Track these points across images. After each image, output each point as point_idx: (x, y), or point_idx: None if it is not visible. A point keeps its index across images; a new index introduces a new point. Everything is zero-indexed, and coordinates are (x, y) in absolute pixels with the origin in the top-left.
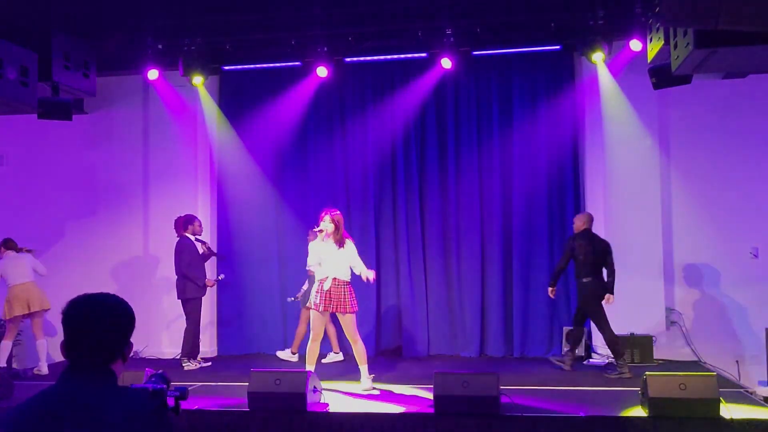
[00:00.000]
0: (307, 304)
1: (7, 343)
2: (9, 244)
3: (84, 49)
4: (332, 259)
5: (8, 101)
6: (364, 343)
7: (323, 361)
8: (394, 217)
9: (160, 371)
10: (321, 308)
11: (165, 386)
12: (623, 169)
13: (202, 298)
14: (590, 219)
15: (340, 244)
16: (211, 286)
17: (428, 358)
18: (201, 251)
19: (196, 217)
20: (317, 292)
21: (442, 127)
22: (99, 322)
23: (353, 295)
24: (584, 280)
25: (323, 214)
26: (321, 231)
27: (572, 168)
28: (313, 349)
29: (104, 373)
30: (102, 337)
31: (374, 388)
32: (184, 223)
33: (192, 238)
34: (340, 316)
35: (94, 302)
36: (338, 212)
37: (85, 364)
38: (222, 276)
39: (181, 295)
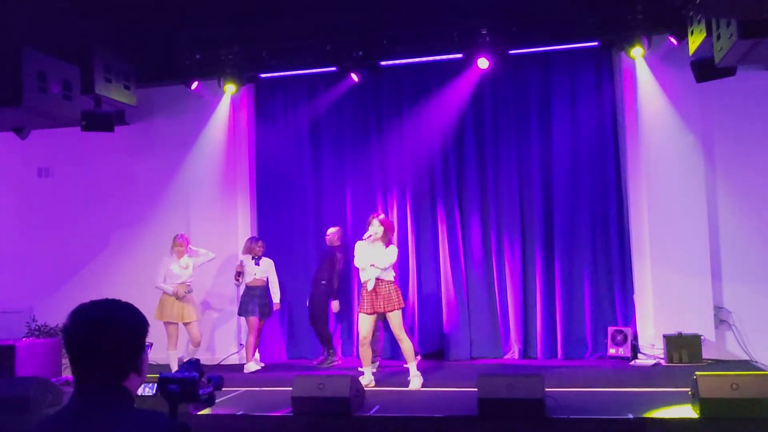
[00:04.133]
0: (250, 314)
1: (171, 353)
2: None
3: (124, 61)
4: (376, 260)
5: (52, 115)
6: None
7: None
8: (433, 219)
9: (194, 359)
10: (367, 310)
11: (197, 375)
12: (666, 164)
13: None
14: None
15: (387, 245)
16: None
17: (470, 361)
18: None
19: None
20: (361, 295)
21: (479, 128)
22: (103, 335)
23: (399, 292)
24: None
25: (371, 218)
26: (371, 236)
27: (614, 165)
28: (364, 352)
29: (116, 391)
30: (108, 351)
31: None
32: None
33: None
34: (387, 315)
35: (95, 313)
36: (384, 216)
37: (93, 383)
38: None
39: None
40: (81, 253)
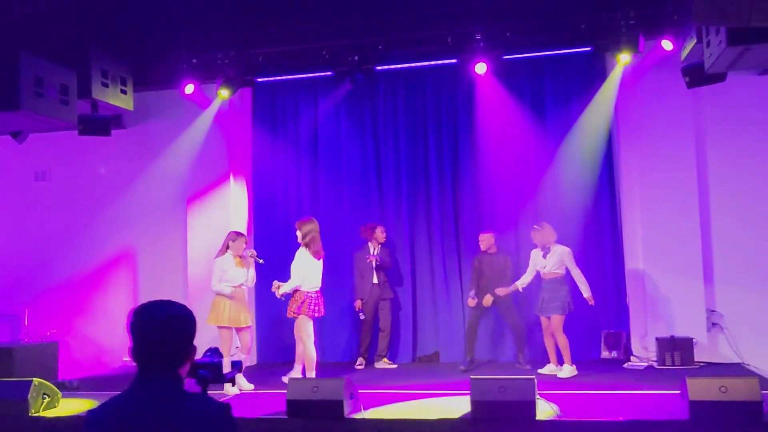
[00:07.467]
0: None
1: (224, 360)
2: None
3: (121, 65)
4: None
5: (49, 119)
6: (402, 349)
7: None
8: (428, 223)
9: (215, 347)
10: None
11: (220, 360)
12: (659, 168)
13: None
14: None
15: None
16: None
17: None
18: (368, 260)
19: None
20: None
21: (474, 132)
22: (164, 329)
23: (298, 302)
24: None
25: None
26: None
27: (607, 169)
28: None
29: (172, 378)
30: (168, 344)
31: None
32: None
33: (371, 245)
34: None
35: (158, 310)
36: (305, 220)
37: (154, 370)
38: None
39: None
40: (78, 256)
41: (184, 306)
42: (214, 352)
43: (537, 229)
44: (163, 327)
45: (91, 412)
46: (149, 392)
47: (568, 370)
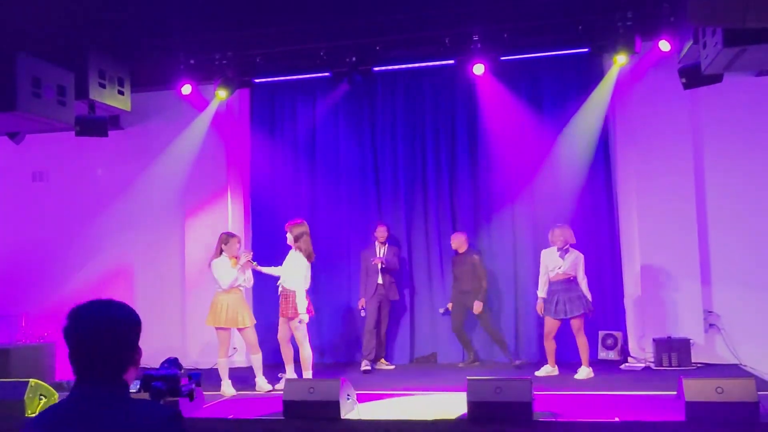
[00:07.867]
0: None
1: (221, 361)
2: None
3: (119, 66)
4: (284, 267)
5: (47, 120)
6: (399, 350)
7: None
8: (426, 223)
9: (174, 357)
10: (280, 313)
11: (178, 371)
12: (656, 169)
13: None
14: None
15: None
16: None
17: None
18: (373, 262)
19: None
20: None
21: (472, 134)
22: (104, 332)
23: (289, 301)
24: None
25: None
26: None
27: (604, 170)
28: (283, 351)
29: (115, 385)
30: (109, 349)
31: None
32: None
33: (377, 245)
34: (289, 322)
35: (95, 312)
36: (295, 222)
37: (94, 377)
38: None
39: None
40: (75, 257)
41: (126, 305)
42: (172, 364)
43: (560, 228)
44: (102, 330)
45: (24, 424)
46: (89, 400)
47: (585, 372)
